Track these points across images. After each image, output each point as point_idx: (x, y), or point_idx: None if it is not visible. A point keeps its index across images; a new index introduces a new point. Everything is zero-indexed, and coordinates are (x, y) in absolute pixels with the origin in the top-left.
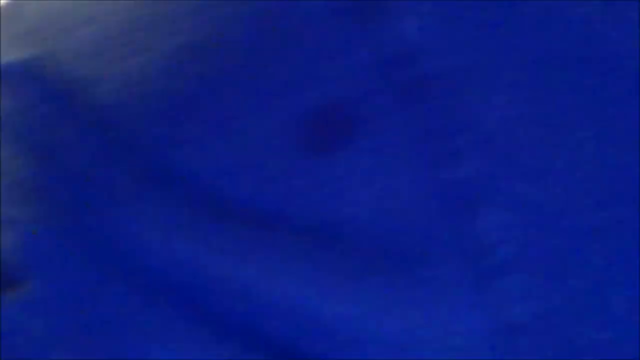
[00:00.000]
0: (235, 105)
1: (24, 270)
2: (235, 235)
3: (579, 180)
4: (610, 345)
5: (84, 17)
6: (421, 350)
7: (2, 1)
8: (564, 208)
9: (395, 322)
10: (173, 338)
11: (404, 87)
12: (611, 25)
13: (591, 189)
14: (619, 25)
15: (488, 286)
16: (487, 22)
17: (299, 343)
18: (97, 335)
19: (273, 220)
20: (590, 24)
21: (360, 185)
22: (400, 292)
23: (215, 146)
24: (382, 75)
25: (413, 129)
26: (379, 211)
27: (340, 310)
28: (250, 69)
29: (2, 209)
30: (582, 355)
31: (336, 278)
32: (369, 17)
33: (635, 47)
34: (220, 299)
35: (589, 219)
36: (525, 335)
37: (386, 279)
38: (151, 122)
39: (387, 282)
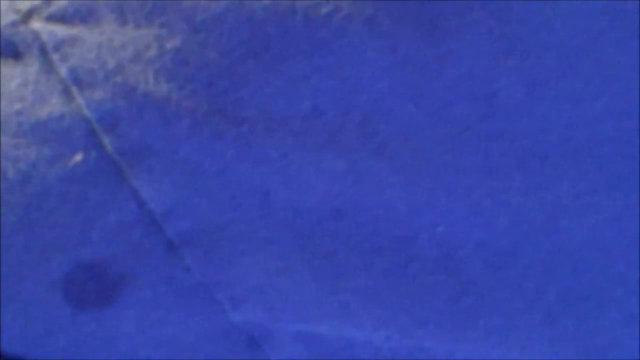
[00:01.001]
0: (6, 266)
1: None
2: None
3: (355, 315)
4: None
5: None
6: None
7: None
8: (342, 345)
9: None
10: None
11: (168, 243)
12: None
13: (364, 323)
14: None
15: None
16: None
17: None
18: None
19: None
20: None
21: (137, 334)
22: None
23: None
24: (146, 232)
25: (183, 282)
26: (161, 356)
27: None
28: (18, 230)
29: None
30: None
31: None
32: (128, 178)
33: None
34: None
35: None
36: None
37: None
38: None
39: None
